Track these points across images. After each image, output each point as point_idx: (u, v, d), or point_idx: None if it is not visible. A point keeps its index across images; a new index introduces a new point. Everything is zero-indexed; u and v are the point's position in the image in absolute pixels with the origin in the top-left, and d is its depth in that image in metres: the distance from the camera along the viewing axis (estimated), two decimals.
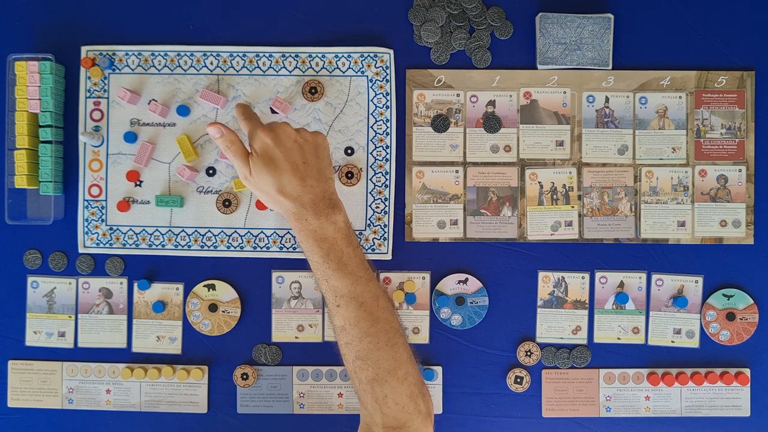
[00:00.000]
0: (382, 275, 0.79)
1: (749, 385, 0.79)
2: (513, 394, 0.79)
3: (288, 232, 0.79)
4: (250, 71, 0.79)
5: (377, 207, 0.79)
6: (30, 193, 0.78)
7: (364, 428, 0.66)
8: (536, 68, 0.79)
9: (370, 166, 0.79)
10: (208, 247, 0.79)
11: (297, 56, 0.79)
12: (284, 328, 0.79)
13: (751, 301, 0.79)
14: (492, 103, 0.79)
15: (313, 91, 0.78)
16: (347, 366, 0.66)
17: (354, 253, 0.64)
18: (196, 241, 0.79)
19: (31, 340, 0.79)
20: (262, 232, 0.79)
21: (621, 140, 0.79)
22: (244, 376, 0.78)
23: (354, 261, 0.64)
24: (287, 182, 0.63)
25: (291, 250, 0.79)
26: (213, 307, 0.79)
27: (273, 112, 0.79)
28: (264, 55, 0.79)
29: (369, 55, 0.78)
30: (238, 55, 0.79)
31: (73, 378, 0.79)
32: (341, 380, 0.79)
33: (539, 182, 0.79)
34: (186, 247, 0.79)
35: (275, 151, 0.63)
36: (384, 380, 0.63)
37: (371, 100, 0.79)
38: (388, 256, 0.79)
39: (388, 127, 0.79)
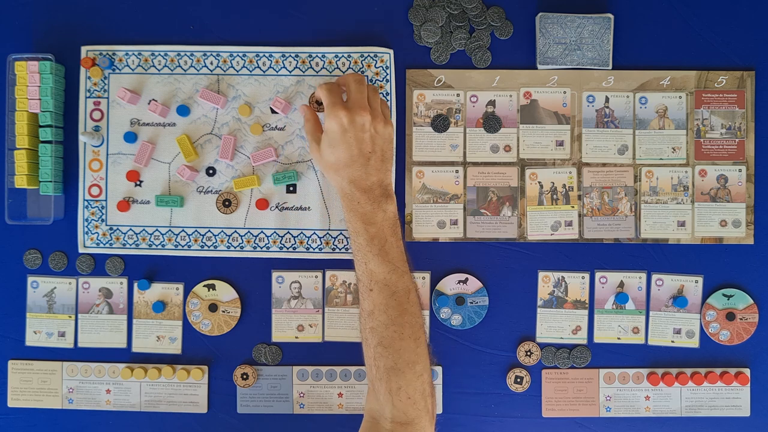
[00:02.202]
0: None
1: (749, 385, 0.79)
2: (513, 394, 0.79)
3: (288, 232, 0.79)
4: (250, 71, 0.79)
5: None
6: (30, 193, 0.78)
7: (370, 422, 0.66)
8: (536, 68, 0.79)
9: None
10: (208, 247, 0.79)
11: (297, 56, 0.79)
12: (284, 328, 0.79)
13: (751, 301, 0.79)
14: (492, 103, 0.79)
15: (320, 102, 0.77)
16: (367, 352, 0.67)
17: (396, 244, 0.67)
18: (196, 241, 0.79)
19: (31, 340, 0.79)
20: (262, 232, 0.79)
21: (621, 140, 0.79)
22: (244, 376, 0.78)
23: (395, 251, 0.67)
24: (350, 164, 0.67)
25: (291, 250, 0.79)
26: (213, 307, 0.79)
27: (273, 112, 0.79)
28: (264, 55, 0.79)
29: (369, 55, 0.78)
30: (238, 55, 0.79)
31: (73, 378, 0.79)
32: (341, 380, 0.79)
33: (539, 182, 0.79)
34: (186, 247, 0.79)
35: (347, 134, 0.67)
36: (401, 371, 0.65)
37: None
38: None
39: None
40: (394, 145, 0.73)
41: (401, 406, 0.64)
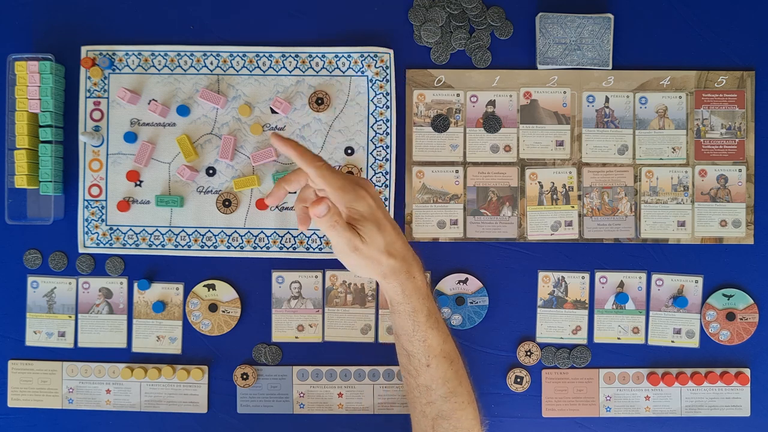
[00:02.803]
0: None
1: (749, 385, 0.79)
2: (513, 394, 0.79)
3: (288, 232, 0.79)
4: (250, 71, 0.79)
5: None
6: (30, 193, 0.78)
7: None
8: (536, 68, 0.79)
9: (370, 166, 0.79)
10: (208, 247, 0.79)
11: (297, 56, 0.79)
12: (284, 328, 0.79)
13: (751, 301, 0.79)
14: (492, 103, 0.79)
15: (319, 101, 0.78)
16: (422, 421, 0.64)
17: (437, 307, 0.64)
18: (196, 241, 0.79)
19: (31, 340, 0.79)
20: (262, 232, 0.79)
21: (621, 140, 0.79)
22: (244, 376, 0.78)
23: (441, 316, 0.64)
24: (396, 240, 0.60)
25: (291, 250, 0.79)
26: (213, 307, 0.79)
27: (273, 112, 0.79)
28: (264, 55, 0.79)
29: (369, 55, 0.78)
30: (238, 55, 0.79)
31: (73, 378, 0.79)
32: (341, 380, 0.79)
33: (539, 182, 0.79)
34: (186, 247, 0.79)
35: (378, 212, 0.59)
36: None
37: (371, 100, 0.79)
38: None
39: (388, 127, 0.79)
40: None
41: None
